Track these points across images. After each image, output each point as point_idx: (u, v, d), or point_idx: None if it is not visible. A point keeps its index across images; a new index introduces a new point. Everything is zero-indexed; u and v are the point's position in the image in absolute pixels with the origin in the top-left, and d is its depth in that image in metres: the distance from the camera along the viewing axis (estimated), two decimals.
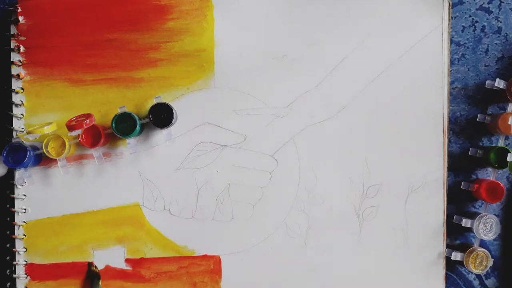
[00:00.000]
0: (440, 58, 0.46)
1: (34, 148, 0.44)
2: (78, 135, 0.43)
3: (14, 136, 0.45)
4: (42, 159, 0.45)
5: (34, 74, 0.45)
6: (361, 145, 0.46)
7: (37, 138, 0.44)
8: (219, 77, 0.45)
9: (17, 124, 0.45)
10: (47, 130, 0.43)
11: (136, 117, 0.43)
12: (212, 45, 0.45)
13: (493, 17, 0.47)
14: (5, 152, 0.43)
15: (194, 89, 0.45)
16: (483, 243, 0.47)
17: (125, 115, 0.43)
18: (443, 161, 0.46)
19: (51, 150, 0.43)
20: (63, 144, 0.43)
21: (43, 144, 0.43)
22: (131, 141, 0.44)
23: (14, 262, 0.45)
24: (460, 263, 0.46)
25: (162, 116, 0.43)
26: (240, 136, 0.46)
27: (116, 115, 0.43)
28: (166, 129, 0.44)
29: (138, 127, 0.43)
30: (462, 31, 0.48)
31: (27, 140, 0.44)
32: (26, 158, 0.43)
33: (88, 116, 0.43)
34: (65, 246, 0.46)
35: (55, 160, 0.44)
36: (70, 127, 0.42)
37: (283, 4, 0.45)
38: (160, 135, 0.45)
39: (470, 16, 0.48)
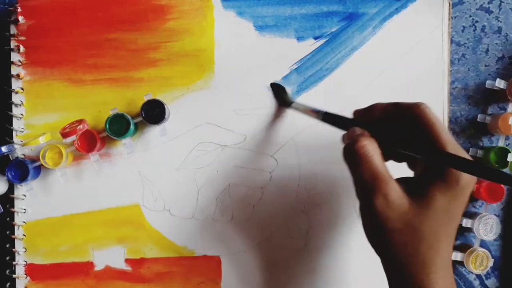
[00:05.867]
0: (440, 58, 0.46)
1: (32, 160, 0.44)
2: (74, 141, 0.43)
3: (14, 136, 0.45)
4: (41, 171, 0.45)
5: (34, 74, 0.45)
6: None
7: (33, 149, 0.44)
8: (219, 77, 0.45)
9: (17, 124, 0.45)
10: (42, 140, 0.43)
11: (129, 117, 0.43)
12: (212, 45, 0.45)
13: (493, 17, 0.47)
14: (9, 173, 0.43)
15: (194, 89, 0.45)
16: (483, 243, 0.47)
17: (117, 116, 0.43)
18: None
19: (48, 161, 0.43)
20: (60, 153, 0.43)
21: (40, 155, 0.43)
22: (127, 141, 0.44)
23: (14, 262, 0.45)
24: (461, 263, 0.46)
25: (154, 112, 0.43)
26: (240, 136, 0.46)
27: (108, 117, 0.43)
28: (159, 125, 0.44)
29: (132, 127, 0.43)
30: (462, 31, 0.48)
31: (22, 155, 0.45)
32: (29, 176, 0.43)
33: (81, 121, 0.43)
34: (65, 246, 0.46)
35: None
36: (64, 134, 0.42)
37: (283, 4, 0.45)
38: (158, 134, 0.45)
39: (470, 16, 0.48)
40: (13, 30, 0.45)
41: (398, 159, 0.37)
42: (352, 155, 0.33)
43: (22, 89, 0.45)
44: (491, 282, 0.48)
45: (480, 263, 0.45)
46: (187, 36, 0.45)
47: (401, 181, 0.34)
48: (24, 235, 0.45)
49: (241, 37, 0.45)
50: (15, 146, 0.44)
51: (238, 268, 0.46)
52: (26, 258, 0.45)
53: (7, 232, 0.45)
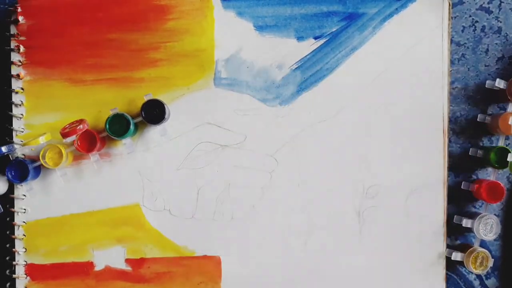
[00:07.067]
0: (440, 58, 0.46)
1: (32, 160, 0.44)
2: (74, 141, 0.43)
3: (14, 136, 0.45)
4: (41, 171, 0.45)
5: (34, 74, 0.45)
6: (361, 145, 0.46)
7: (33, 149, 0.44)
8: (219, 77, 0.45)
9: (17, 124, 0.45)
10: (42, 140, 0.43)
11: (129, 117, 0.43)
12: (212, 45, 0.45)
13: (493, 17, 0.47)
14: (9, 172, 0.43)
15: (194, 89, 0.45)
16: (483, 243, 0.47)
17: (117, 116, 0.43)
18: (443, 161, 0.46)
19: (48, 161, 0.43)
20: (60, 153, 0.43)
21: (40, 155, 0.43)
22: (127, 141, 0.44)
23: (14, 262, 0.45)
24: (461, 263, 0.46)
25: (154, 112, 0.43)
26: (240, 136, 0.46)
27: (108, 117, 0.43)
28: (159, 125, 0.44)
29: (132, 127, 0.43)
30: (462, 31, 0.48)
31: (22, 155, 0.45)
32: (29, 176, 0.43)
33: (81, 121, 0.43)
34: (65, 246, 0.46)
35: None
36: (64, 134, 0.42)
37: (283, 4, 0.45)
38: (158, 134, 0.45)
39: (470, 16, 0.48)
40: (13, 30, 0.45)
41: None
42: None
43: (22, 89, 0.45)
44: (491, 282, 0.48)
45: (480, 263, 0.45)
46: (187, 36, 0.45)
47: None
48: (24, 235, 0.45)
49: (241, 37, 0.45)
50: (15, 146, 0.44)
51: (238, 268, 0.46)
52: (26, 258, 0.45)
53: (7, 232, 0.45)
